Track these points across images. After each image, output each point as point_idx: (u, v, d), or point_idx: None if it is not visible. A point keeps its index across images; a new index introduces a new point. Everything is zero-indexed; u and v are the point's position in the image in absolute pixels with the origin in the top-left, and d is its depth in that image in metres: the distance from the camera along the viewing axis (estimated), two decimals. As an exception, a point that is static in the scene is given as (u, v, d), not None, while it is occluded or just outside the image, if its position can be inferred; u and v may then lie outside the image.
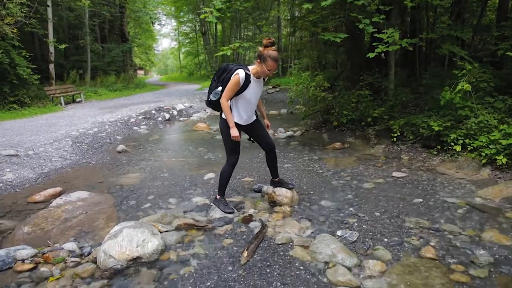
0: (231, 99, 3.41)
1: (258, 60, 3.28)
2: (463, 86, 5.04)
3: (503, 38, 6.08)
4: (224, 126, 3.51)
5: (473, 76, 5.47)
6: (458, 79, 5.33)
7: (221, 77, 3.44)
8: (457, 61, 5.87)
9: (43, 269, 2.69)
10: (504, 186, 4.15)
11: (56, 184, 4.77)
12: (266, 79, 3.62)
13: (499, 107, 5.33)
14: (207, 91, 3.74)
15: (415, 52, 8.22)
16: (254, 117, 3.71)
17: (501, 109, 5.30)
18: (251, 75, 3.36)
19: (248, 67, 3.39)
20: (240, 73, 3.27)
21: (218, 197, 3.73)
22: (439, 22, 8.88)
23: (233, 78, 3.27)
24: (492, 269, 2.59)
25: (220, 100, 3.35)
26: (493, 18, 9.44)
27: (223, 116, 3.52)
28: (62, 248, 3.00)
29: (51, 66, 15.72)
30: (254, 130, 3.72)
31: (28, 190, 4.65)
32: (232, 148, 3.57)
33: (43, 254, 2.91)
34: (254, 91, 3.44)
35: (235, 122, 3.48)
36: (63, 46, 15.20)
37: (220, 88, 3.41)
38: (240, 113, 3.51)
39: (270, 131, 7.99)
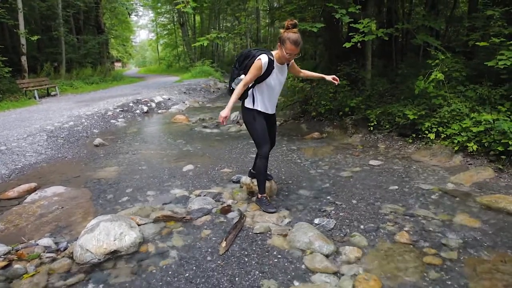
0: (253, 87, 3.28)
1: (279, 44, 3.08)
2: (437, 76, 5.17)
3: (473, 29, 6.25)
4: (248, 117, 3.37)
5: (446, 65, 5.62)
6: (432, 68, 5.46)
7: (243, 63, 3.28)
8: (431, 51, 6.00)
9: (17, 266, 2.63)
10: (475, 171, 4.30)
11: (31, 180, 4.65)
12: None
13: (470, 95, 5.50)
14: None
15: (392, 43, 8.34)
16: (274, 110, 3.53)
17: (472, 97, 5.46)
18: (275, 60, 3.18)
19: (272, 52, 3.21)
20: (263, 58, 3.09)
21: (259, 196, 3.54)
22: (414, 12, 9.04)
23: (255, 63, 3.09)
24: (461, 251, 2.69)
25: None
26: (466, 10, 9.66)
27: (245, 104, 3.36)
28: (37, 244, 2.94)
29: (23, 59, 15.15)
30: (268, 123, 3.48)
31: (0, 187, 4.52)
32: (261, 138, 3.36)
33: (17, 251, 2.84)
34: (278, 78, 3.26)
35: (259, 111, 3.33)
36: (35, 37, 14.66)
37: (242, 76, 3.23)
38: (264, 101, 3.33)
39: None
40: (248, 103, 3.35)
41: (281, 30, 3.08)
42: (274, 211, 3.40)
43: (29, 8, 18.12)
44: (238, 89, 3.15)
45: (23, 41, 15.02)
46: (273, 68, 3.19)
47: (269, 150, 3.46)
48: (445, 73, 5.46)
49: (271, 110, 3.44)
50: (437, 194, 3.81)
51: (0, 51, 12.54)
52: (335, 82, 3.61)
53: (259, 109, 3.33)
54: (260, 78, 3.20)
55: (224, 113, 3.10)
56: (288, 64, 3.35)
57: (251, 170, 3.91)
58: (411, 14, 8.83)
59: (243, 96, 3.34)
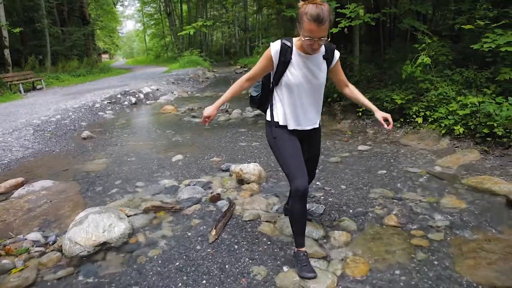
0: (273, 91, 2.35)
1: (298, 23, 2.05)
2: (423, 60, 5.18)
3: (460, 12, 6.25)
4: (268, 136, 2.41)
5: (432, 49, 5.63)
6: (419, 53, 5.47)
7: None
8: (418, 35, 6.01)
9: (5, 261, 2.60)
10: (461, 154, 4.36)
11: (18, 175, 4.58)
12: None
13: (456, 79, 5.54)
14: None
15: (379, 28, 8.32)
16: (315, 125, 2.39)
17: (459, 81, 5.51)
18: (294, 48, 2.16)
19: (294, 38, 2.21)
20: (273, 46, 2.16)
21: (295, 250, 2.42)
22: (401, -3, 8.99)
23: (264, 53, 2.23)
24: (447, 232, 2.74)
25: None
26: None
27: (266, 117, 2.43)
28: (26, 239, 2.91)
29: (6, 52, 14.81)
30: (304, 144, 2.42)
31: (-13, 182, 4.45)
32: (289, 165, 2.25)
33: (5, 246, 2.80)
34: (302, 73, 2.18)
35: (280, 124, 2.31)
36: (18, 30, 14.31)
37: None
38: (285, 110, 2.27)
39: (238, 111, 8.00)
40: (267, 115, 2.42)
41: (300, 3, 2.02)
42: (312, 276, 2.25)
43: (10, -1, 17.64)
44: (232, 86, 2.35)
45: (5, 33, 14.65)
46: (291, 59, 2.16)
47: (306, 184, 2.23)
48: (432, 57, 5.49)
49: (298, 124, 2.30)
50: (424, 177, 3.86)
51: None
52: (387, 126, 2.37)
53: (276, 120, 2.33)
54: (276, 76, 2.24)
55: (207, 111, 2.31)
56: (328, 63, 2.27)
57: (286, 206, 2.98)
58: (398, -1, 8.81)
59: (264, 107, 2.49)
